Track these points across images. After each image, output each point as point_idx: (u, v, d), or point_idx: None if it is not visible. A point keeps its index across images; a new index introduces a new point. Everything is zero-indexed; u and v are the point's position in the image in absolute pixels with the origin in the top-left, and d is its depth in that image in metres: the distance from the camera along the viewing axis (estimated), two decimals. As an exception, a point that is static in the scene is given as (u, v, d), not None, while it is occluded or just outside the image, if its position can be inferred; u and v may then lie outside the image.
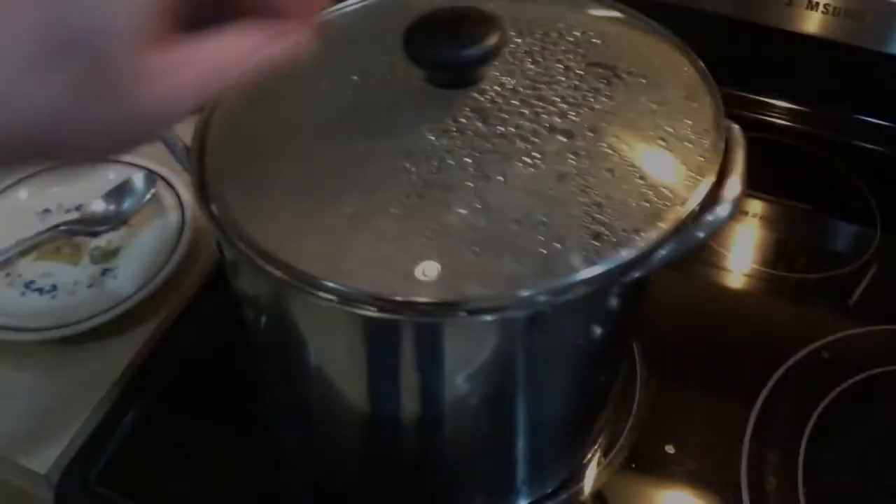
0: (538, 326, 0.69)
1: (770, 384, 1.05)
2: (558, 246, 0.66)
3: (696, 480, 0.97)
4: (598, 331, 0.76)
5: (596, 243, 0.67)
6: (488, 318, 0.66)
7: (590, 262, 0.65)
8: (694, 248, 0.73)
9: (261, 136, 0.79)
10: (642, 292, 0.81)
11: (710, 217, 0.72)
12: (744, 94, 1.45)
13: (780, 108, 1.46)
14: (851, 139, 1.42)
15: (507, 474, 0.90)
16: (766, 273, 1.21)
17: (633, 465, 0.98)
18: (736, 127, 0.80)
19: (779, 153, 1.39)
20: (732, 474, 0.97)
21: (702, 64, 0.81)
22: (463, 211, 0.68)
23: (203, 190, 0.74)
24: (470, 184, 0.69)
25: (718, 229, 0.73)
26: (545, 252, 0.66)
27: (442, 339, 0.69)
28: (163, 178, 1.15)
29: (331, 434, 0.90)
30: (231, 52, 0.50)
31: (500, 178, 0.69)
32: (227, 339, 1.08)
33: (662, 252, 0.71)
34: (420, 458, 0.86)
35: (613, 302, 0.75)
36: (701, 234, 0.72)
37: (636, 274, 0.70)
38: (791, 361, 1.08)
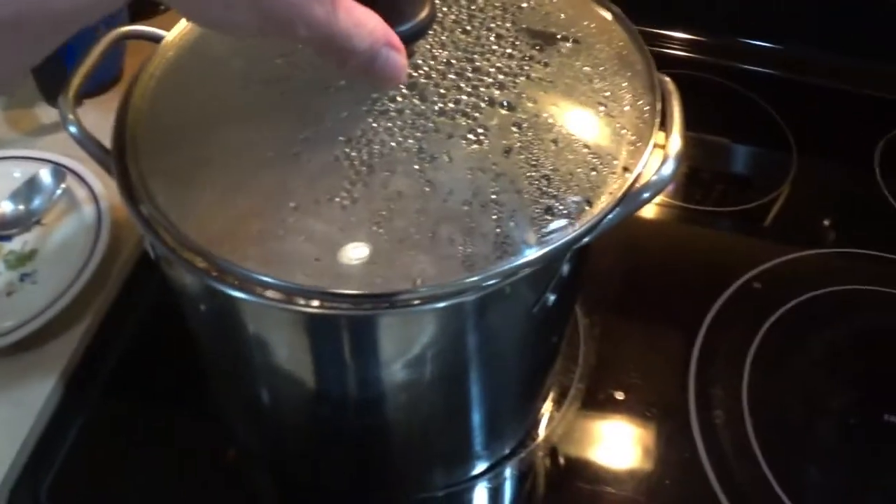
0: (489, 305, 0.69)
1: (707, 321, 1.08)
2: (512, 224, 0.65)
3: (647, 422, 0.99)
4: (548, 298, 0.76)
5: (548, 217, 0.66)
6: (440, 305, 0.65)
7: (543, 239, 0.65)
8: (640, 208, 0.73)
9: (185, 125, 0.74)
10: (587, 255, 0.81)
11: (654, 177, 0.73)
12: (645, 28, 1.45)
13: (679, 40, 1.48)
14: (750, 65, 1.45)
15: (464, 444, 0.90)
16: (690, 209, 1.23)
17: (586, 415, 0.99)
18: (668, 81, 0.80)
19: (686, 86, 1.40)
20: (681, 413, 0.99)
21: (630, 24, 0.80)
22: (411, 194, 0.66)
23: (130, 191, 0.70)
24: (415, 166, 0.67)
25: (663, 188, 0.73)
26: (498, 231, 0.65)
27: (386, 329, 0.68)
28: (72, 171, 1.09)
29: (282, 420, 0.88)
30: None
31: (446, 158, 0.67)
32: (162, 331, 1.05)
33: (611, 217, 0.71)
34: (375, 437, 0.85)
35: (563, 270, 0.74)
36: (647, 195, 0.73)
37: (586, 241, 0.70)
38: (724, 296, 1.11)
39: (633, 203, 0.72)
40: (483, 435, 0.90)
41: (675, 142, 0.74)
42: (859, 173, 1.29)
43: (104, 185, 1.08)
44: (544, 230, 0.65)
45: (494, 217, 0.65)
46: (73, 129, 0.74)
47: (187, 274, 0.67)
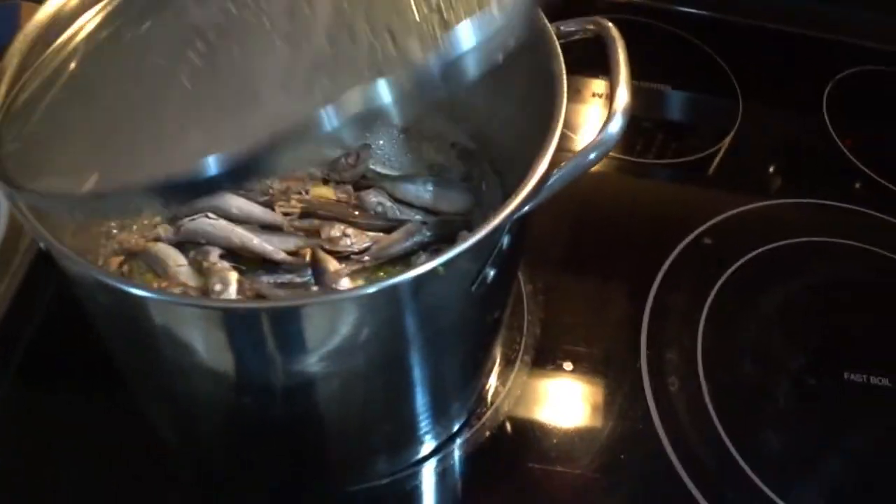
0: (422, 287, 0.62)
1: (657, 281, 1.03)
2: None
3: (598, 394, 0.93)
4: (487, 274, 0.69)
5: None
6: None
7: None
8: (585, 171, 0.67)
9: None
10: (528, 223, 0.74)
11: (601, 136, 0.66)
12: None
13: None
14: (690, 7, 1.39)
15: (406, 429, 0.84)
16: (635, 163, 1.16)
17: (533, 388, 0.93)
18: (611, 26, 0.73)
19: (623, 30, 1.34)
20: (634, 381, 0.94)
21: None
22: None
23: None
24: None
25: (611, 148, 0.67)
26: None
27: (309, 318, 0.61)
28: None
29: (200, 414, 0.80)
30: None
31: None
32: (70, 319, 0.95)
33: (552, 183, 0.65)
34: (306, 427, 0.78)
35: (502, 242, 0.67)
36: (593, 156, 0.66)
37: (526, 210, 0.64)
38: (674, 254, 1.05)
39: (577, 167, 0.65)
40: (426, 417, 0.83)
41: (623, 95, 0.68)
42: (807, 119, 1.24)
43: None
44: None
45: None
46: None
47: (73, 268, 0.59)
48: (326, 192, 0.92)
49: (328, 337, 0.63)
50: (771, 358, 0.97)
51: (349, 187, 0.92)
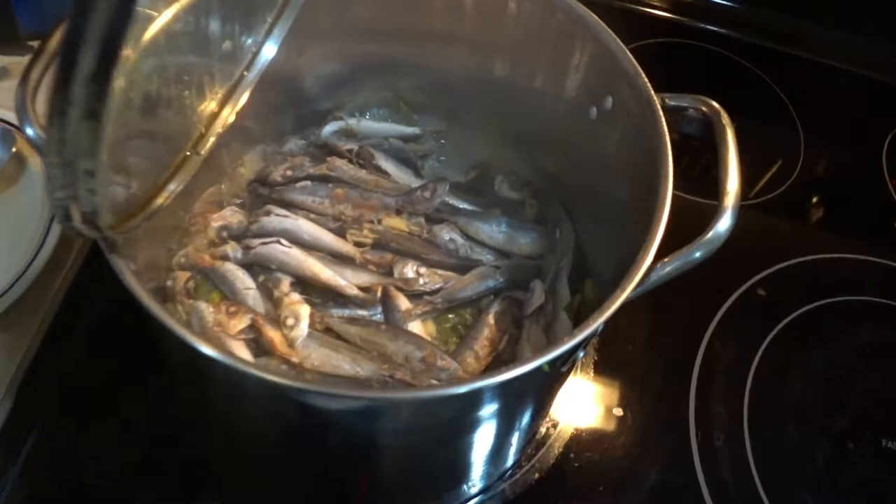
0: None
1: (709, 331, 1.03)
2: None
3: (645, 444, 0.94)
4: (579, 355, 0.70)
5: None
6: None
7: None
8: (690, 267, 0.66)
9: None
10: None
11: (711, 234, 0.66)
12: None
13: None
14: (757, 39, 1.37)
15: (459, 480, 0.85)
16: (690, 202, 1.14)
17: (582, 435, 0.94)
18: (722, 111, 0.72)
19: (684, 54, 1.33)
20: (682, 433, 0.95)
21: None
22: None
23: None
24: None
25: (716, 249, 0.66)
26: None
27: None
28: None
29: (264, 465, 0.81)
30: None
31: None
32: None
33: (656, 278, 0.65)
34: (362, 475, 0.79)
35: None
36: (698, 255, 0.66)
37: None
38: (728, 303, 1.05)
39: (681, 266, 0.65)
40: (480, 469, 0.84)
41: (733, 189, 0.67)
42: (869, 168, 1.23)
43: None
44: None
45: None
46: (29, 130, 0.63)
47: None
48: (399, 223, 0.91)
49: (415, 419, 0.64)
50: (814, 418, 0.98)
51: (422, 220, 0.91)
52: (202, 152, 0.70)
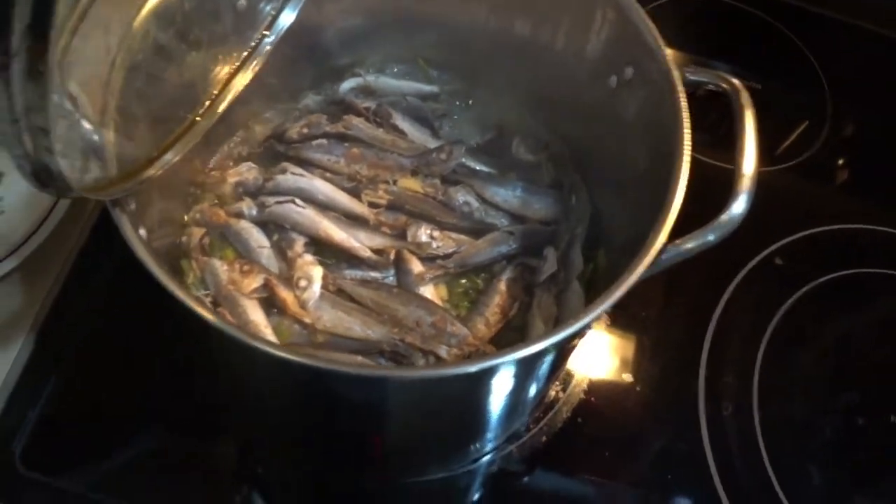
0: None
1: (723, 300, 1.02)
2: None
3: (653, 410, 0.95)
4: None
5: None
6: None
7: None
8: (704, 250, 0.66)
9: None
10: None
11: (725, 216, 0.65)
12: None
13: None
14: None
15: (467, 442, 0.86)
16: (711, 166, 1.12)
17: (591, 399, 0.94)
18: (741, 88, 0.70)
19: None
20: (690, 401, 0.95)
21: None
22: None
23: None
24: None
25: (730, 232, 0.66)
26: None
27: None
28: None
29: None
30: None
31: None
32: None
33: (667, 259, 0.64)
34: (373, 433, 0.80)
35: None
36: (712, 238, 0.65)
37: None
38: (744, 272, 1.04)
39: (693, 248, 0.65)
40: (489, 432, 0.85)
41: (749, 170, 0.66)
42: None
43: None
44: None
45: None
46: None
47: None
48: (414, 184, 0.91)
49: (421, 398, 0.64)
50: (824, 392, 0.98)
51: (437, 181, 0.91)
52: (210, 118, 0.70)
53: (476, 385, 0.65)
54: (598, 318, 0.63)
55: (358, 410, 0.69)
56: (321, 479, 0.89)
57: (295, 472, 0.90)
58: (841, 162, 1.18)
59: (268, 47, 0.74)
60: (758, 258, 1.05)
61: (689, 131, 0.68)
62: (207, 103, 0.69)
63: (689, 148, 0.68)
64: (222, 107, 0.71)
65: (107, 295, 0.95)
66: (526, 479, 0.91)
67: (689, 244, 0.64)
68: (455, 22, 0.94)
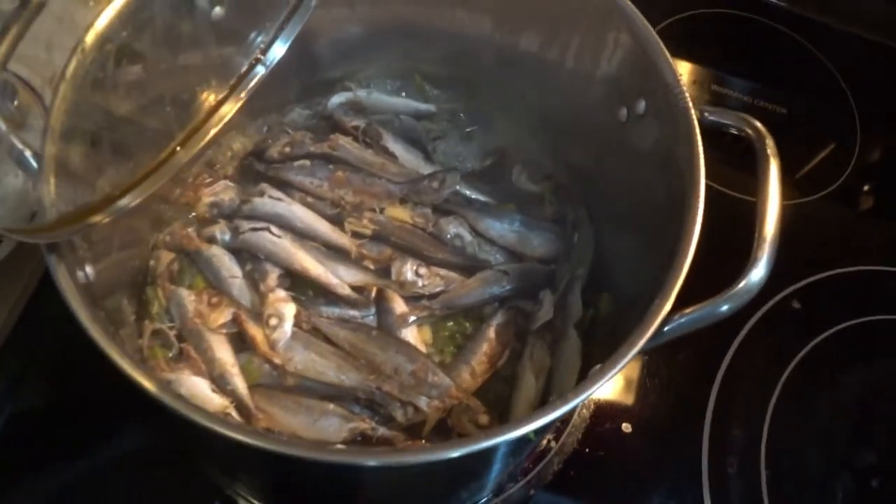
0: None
1: (735, 344, 0.95)
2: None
3: (652, 462, 0.88)
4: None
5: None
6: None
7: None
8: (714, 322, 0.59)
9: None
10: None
11: (742, 285, 0.58)
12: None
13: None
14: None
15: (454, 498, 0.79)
16: (729, 197, 1.04)
17: (586, 450, 0.87)
18: (767, 137, 0.63)
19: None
20: (693, 456, 0.88)
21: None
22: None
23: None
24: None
25: (745, 302, 0.58)
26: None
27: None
28: (26, 84, 0.88)
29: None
30: None
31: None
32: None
33: (673, 329, 0.57)
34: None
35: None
36: (725, 309, 0.58)
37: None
38: (759, 314, 0.96)
39: (703, 318, 0.57)
40: (470, 488, 0.79)
41: (770, 232, 0.59)
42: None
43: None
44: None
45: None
46: None
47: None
48: (402, 213, 0.83)
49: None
50: (837, 450, 0.91)
51: (428, 211, 0.84)
52: (189, 152, 0.62)
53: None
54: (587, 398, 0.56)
55: (319, 482, 0.62)
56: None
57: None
58: (868, 193, 1.09)
59: (258, 76, 0.66)
60: (774, 300, 0.98)
61: (704, 184, 0.61)
62: (182, 136, 0.61)
63: (703, 201, 0.60)
64: (204, 141, 0.63)
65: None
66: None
67: (697, 315, 0.57)
68: (458, 35, 0.87)
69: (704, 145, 0.64)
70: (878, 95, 1.19)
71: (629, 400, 0.91)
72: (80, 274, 0.59)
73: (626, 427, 0.89)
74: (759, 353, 0.94)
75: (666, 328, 0.57)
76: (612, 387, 0.91)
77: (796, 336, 0.96)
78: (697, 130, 0.63)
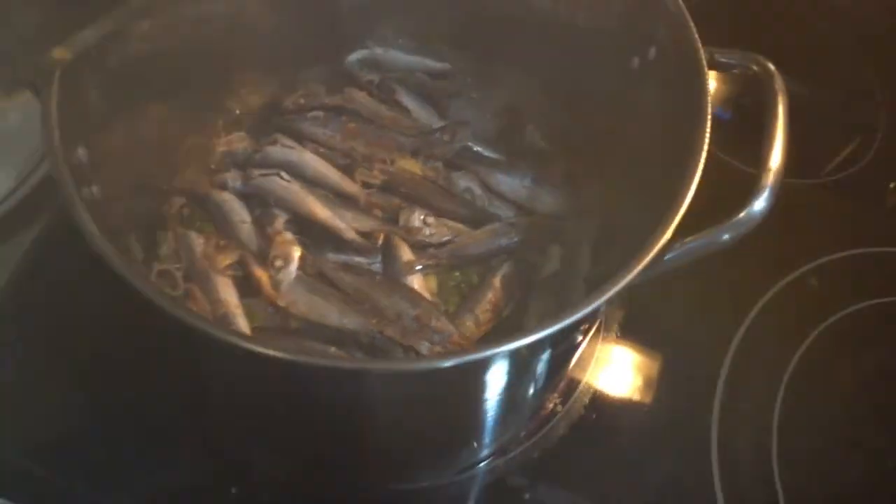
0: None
1: (749, 318, 0.93)
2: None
3: (662, 432, 0.86)
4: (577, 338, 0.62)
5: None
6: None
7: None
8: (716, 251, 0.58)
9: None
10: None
11: (744, 214, 0.57)
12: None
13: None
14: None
15: (455, 449, 0.78)
16: (745, 173, 1.02)
17: (592, 420, 0.86)
18: (776, 74, 0.62)
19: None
20: (703, 427, 0.86)
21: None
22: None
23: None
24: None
25: (749, 229, 0.57)
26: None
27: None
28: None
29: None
30: None
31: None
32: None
33: (673, 258, 0.56)
34: (361, 437, 0.73)
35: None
36: (727, 237, 0.57)
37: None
38: (774, 289, 0.95)
39: (704, 247, 0.56)
40: (477, 440, 0.77)
41: (776, 164, 0.58)
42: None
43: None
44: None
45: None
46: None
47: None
48: (413, 166, 0.83)
49: (394, 394, 0.57)
50: (852, 429, 0.88)
51: (439, 165, 0.83)
52: None
53: (453, 382, 0.58)
54: (594, 314, 0.55)
55: (325, 404, 0.62)
56: (299, 482, 0.82)
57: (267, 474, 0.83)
58: (893, 180, 1.07)
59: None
60: (792, 276, 0.96)
61: (710, 117, 0.60)
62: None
63: (708, 135, 0.59)
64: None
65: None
66: (515, 495, 0.83)
67: (698, 243, 0.56)
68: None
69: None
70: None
71: (638, 370, 0.89)
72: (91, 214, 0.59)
73: (634, 395, 0.88)
74: (773, 329, 0.93)
75: (668, 255, 0.56)
76: (621, 356, 0.90)
77: (812, 314, 0.94)
78: (704, 65, 0.62)
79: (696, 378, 0.89)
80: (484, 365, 0.54)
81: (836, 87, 1.15)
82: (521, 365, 0.61)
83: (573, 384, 0.87)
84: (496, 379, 0.59)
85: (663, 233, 0.56)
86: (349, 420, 0.66)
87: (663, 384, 0.88)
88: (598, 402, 0.87)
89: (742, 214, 0.56)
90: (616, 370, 0.89)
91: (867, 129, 1.11)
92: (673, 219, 0.56)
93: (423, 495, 0.82)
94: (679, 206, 0.57)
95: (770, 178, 0.57)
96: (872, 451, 0.87)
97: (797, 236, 0.99)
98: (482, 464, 0.82)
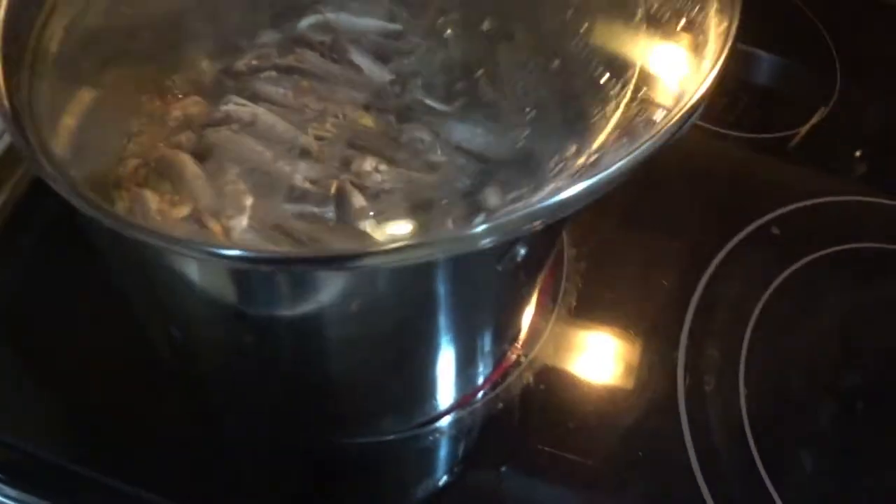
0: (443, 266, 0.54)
1: (712, 266, 0.93)
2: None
3: (625, 384, 0.86)
4: (517, 252, 0.62)
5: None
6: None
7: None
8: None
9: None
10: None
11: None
12: None
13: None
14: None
15: (417, 394, 0.78)
16: (710, 131, 1.05)
17: (556, 365, 0.86)
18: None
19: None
20: (668, 374, 0.86)
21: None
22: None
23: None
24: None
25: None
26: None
27: (328, 284, 0.54)
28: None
29: (202, 353, 0.75)
30: None
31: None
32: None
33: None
34: (314, 380, 0.73)
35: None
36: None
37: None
38: (737, 238, 0.96)
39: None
40: (439, 383, 0.77)
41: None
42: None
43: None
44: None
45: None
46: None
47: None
48: (366, 119, 0.84)
49: (344, 303, 0.57)
50: (821, 372, 0.88)
51: (392, 118, 0.84)
52: None
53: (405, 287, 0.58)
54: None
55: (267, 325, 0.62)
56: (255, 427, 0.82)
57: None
58: (849, 135, 1.09)
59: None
60: (753, 226, 0.97)
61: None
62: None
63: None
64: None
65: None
66: (475, 447, 0.82)
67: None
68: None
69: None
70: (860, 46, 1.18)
71: (604, 319, 0.89)
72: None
73: (598, 342, 0.88)
74: (737, 276, 0.93)
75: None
76: (585, 305, 0.90)
77: (776, 260, 0.95)
78: None
79: (660, 325, 0.89)
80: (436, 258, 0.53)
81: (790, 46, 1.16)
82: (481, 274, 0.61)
83: (536, 336, 0.87)
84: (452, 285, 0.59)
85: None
86: (299, 354, 0.66)
87: (627, 332, 0.88)
88: (562, 351, 0.87)
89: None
90: (581, 322, 0.89)
91: (823, 88, 1.12)
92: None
93: (388, 449, 0.82)
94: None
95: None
96: (843, 393, 0.87)
97: (757, 188, 1.00)
98: (441, 417, 0.82)
